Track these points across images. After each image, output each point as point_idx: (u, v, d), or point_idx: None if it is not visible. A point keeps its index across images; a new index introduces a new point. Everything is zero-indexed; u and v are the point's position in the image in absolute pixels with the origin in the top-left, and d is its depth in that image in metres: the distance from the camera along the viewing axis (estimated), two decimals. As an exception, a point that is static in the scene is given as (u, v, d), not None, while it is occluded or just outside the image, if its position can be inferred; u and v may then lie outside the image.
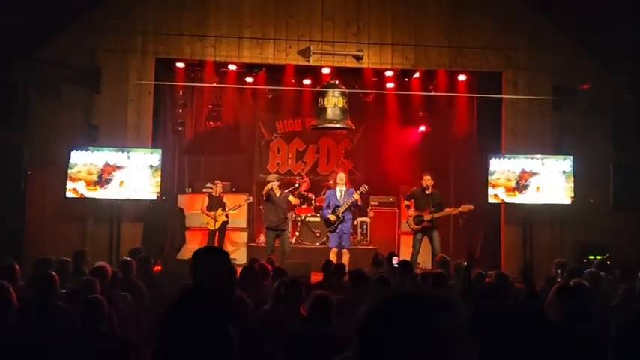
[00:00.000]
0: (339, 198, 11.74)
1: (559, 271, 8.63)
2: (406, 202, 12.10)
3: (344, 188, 11.86)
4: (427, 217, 11.55)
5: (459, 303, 1.61)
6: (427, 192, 11.68)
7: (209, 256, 3.78)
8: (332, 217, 11.62)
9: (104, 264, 7.06)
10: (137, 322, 6.68)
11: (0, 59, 10.51)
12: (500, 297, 5.31)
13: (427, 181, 11.70)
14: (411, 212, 11.81)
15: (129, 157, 11.42)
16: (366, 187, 11.91)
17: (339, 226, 11.63)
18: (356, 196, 11.60)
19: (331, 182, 13.22)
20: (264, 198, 12.13)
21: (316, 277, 9.40)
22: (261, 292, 6.57)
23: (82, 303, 5.09)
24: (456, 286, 7.47)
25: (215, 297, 3.52)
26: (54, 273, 5.80)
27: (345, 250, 11.61)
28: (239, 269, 7.47)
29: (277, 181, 12.26)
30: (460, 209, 11.74)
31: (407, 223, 12.13)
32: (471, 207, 11.74)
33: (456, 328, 1.57)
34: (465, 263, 7.25)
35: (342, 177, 12.01)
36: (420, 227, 11.63)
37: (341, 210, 11.60)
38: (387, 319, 1.58)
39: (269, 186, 12.03)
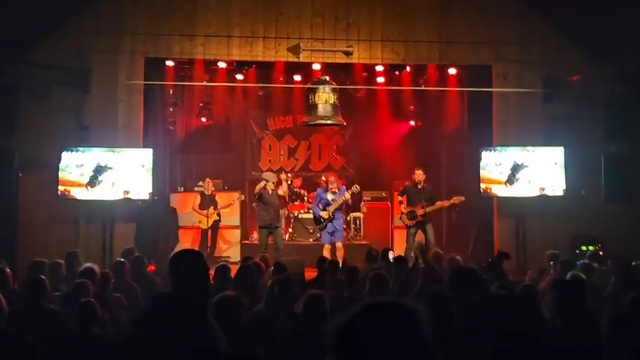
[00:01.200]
0: (329, 197, 11.74)
1: (552, 262, 8.65)
2: (399, 198, 12.11)
3: (336, 190, 11.85)
4: (420, 211, 11.58)
5: (420, 308, 1.76)
6: (419, 187, 11.71)
7: (183, 259, 3.75)
8: (324, 214, 11.63)
9: (92, 265, 7.04)
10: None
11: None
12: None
13: (419, 175, 11.71)
14: (404, 208, 11.83)
15: (120, 157, 11.40)
16: (358, 187, 11.92)
17: (329, 224, 11.65)
18: (347, 195, 11.62)
19: (324, 179, 13.23)
20: (256, 196, 12.12)
21: (310, 274, 9.40)
22: (255, 291, 6.56)
23: (76, 306, 5.09)
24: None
25: (190, 301, 3.52)
26: (43, 277, 5.78)
27: (339, 246, 11.63)
28: (233, 267, 7.49)
29: (272, 181, 12.21)
30: (452, 201, 11.75)
31: (400, 219, 12.16)
32: (462, 198, 11.76)
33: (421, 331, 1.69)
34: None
35: (332, 181, 11.99)
36: (413, 222, 11.66)
37: (331, 208, 11.61)
38: (358, 332, 1.70)
39: (262, 184, 12.00)
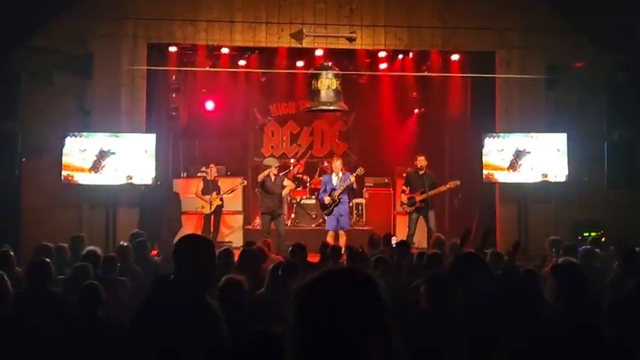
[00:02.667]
0: (334, 182, 11.77)
1: (554, 249, 8.66)
2: (404, 188, 12.09)
3: (340, 174, 11.89)
4: (418, 197, 11.58)
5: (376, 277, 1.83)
6: (421, 173, 11.71)
7: (190, 244, 3.78)
8: (327, 199, 11.66)
9: (94, 248, 7.08)
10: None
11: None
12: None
13: (421, 161, 11.71)
14: (404, 197, 11.83)
15: (123, 142, 11.42)
16: (362, 169, 11.95)
17: (335, 208, 11.67)
18: (352, 178, 11.64)
19: (327, 164, 13.25)
20: (259, 184, 12.16)
21: (312, 260, 9.41)
22: (258, 275, 6.58)
23: (79, 289, 5.11)
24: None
25: (190, 285, 3.56)
26: (47, 260, 5.80)
27: (342, 233, 11.66)
28: (236, 252, 7.52)
29: (276, 168, 12.25)
30: (448, 185, 11.74)
31: (401, 206, 12.20)
32: (458, 182, 11.76)
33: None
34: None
35: (338, 165, 12.03)
36: (412, 209, 11.66)
37: (337, 193, 11.63)
38: (317, 292, 1.77)
39: (266, 172, 12.05)
